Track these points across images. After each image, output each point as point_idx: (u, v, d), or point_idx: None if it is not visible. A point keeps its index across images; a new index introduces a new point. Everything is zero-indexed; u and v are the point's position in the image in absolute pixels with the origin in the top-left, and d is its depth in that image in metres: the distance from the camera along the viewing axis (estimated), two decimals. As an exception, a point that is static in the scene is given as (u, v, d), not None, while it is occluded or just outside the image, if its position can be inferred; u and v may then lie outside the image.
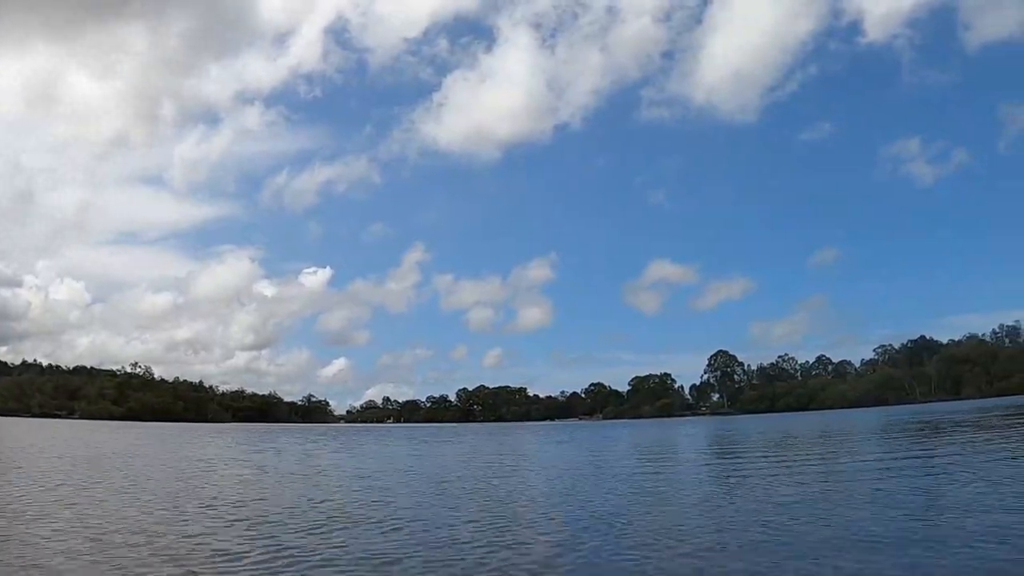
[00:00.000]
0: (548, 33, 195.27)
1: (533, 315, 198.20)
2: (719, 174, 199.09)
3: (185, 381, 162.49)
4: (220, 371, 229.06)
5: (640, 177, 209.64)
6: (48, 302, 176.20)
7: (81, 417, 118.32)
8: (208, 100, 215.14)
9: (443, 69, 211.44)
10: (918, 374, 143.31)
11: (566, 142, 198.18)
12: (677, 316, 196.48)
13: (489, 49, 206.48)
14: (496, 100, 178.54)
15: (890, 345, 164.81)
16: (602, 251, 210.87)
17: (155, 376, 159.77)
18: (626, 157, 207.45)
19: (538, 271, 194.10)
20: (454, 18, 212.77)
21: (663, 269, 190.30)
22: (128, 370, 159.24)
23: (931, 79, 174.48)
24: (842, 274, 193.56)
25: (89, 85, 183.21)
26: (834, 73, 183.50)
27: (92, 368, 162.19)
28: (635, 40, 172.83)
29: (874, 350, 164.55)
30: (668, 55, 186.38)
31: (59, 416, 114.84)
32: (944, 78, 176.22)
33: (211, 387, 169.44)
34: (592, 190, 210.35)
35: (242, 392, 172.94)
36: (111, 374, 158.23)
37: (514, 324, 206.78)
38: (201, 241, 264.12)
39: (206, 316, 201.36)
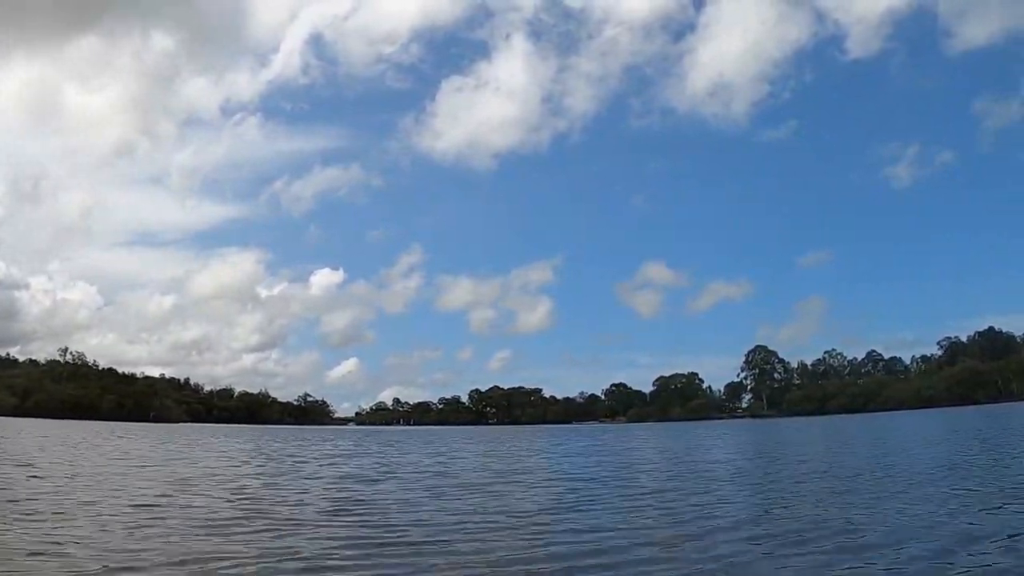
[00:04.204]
0: (541, 43, 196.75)
1: (536, 317, 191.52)
2: (711, 179, 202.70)
3: (120, 374, 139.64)
4: (228, 372, 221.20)
5: (635, 182, 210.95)
6: (57, 303, 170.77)
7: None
8: (204, 109, 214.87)
9: (436, 79, 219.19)
10: (1009, 366, 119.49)
11: (561, 148, 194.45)
12: (676, 318, 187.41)
13: (482, 60, 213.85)
14: (490, 110, 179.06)
15: (956, 337, 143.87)
16: (600, 255, 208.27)
17: (91, 364, 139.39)
18: (620, 162, 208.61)
19: (539, 273, 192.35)
20: (447, 30, 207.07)
21: (659, 272, 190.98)
22: (59, 359, 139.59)
23: (915, 83, 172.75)
24: (838, 275, 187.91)
25: (81, 96, 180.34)
26: (820, 79, 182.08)
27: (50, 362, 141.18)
28: (627, 49, 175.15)
29: (938, 343, 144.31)
30: (660, 63, 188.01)
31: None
32: (927, 82, 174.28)
33: (197, 385, 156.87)
34: (588, 195, 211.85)
35: (229, 391, 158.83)
36: (37, 364, 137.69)
37: (516, 326, 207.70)
38: (207, 244, 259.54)
39: (213, 318, 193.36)
